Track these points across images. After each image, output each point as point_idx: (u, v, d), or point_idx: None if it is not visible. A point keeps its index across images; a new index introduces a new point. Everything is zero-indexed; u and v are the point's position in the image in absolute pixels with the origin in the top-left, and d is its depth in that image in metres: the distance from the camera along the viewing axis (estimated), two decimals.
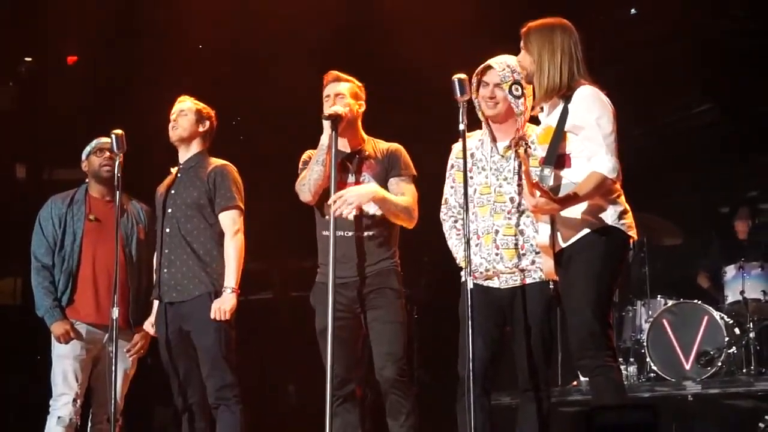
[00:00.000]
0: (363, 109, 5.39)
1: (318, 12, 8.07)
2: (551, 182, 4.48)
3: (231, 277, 5.55)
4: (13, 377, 8.47)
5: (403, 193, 5.28)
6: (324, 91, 5.35)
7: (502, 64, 4.83)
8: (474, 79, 4.86)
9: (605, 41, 8.12)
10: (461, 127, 4.68)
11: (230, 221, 5.63)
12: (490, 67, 4.85)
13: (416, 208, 5.30)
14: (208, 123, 5.86)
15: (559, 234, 4.56)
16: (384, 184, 5.28)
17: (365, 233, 5.24)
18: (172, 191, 5.74)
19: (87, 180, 6.10)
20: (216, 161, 5.80)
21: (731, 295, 8.31)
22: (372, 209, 5.25)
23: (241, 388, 5.56)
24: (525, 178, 4.39)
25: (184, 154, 5.82)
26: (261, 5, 8.26)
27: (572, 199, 4.42)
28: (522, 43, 4.67)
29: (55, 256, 5.89)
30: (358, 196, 5.11)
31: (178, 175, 5.79)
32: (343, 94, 5.30)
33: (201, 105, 5.87)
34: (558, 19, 4.66)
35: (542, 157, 4.57)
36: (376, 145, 5.39)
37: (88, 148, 6.07)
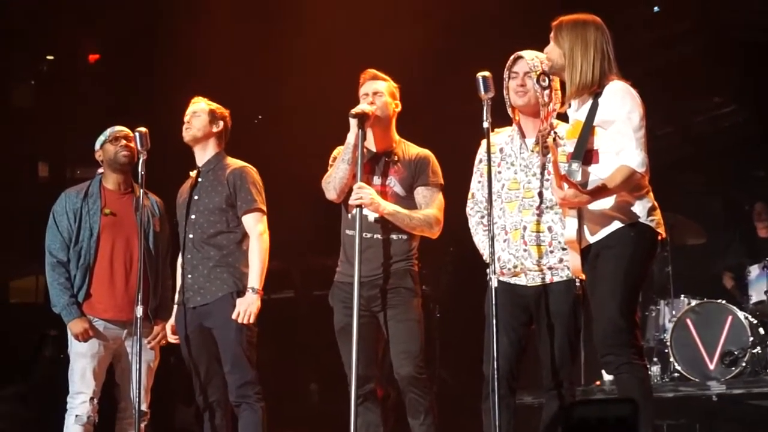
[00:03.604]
0: (399, 109, 5.35)
1: (347, 9, 8.01)
2: (579, 177, 4.43)
3: (255, 278, 5.51)
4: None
5: (428, 203, 5.24)
6: (361, 89, 5.31)
7: (531, 53, 4.82)
8: (505, 73, 4.84)
9: (628, 38, 8.06)
10: (485, 124, 4.66)
11: (254, 223, 5.59)
12: (520, 57, 4.84)
13: (441, 217, 5.26)
14: (222, 123, 5.80)
15: (586, 229, 4.52)
16: (410, 191, 5.25)
17: (388, 236, 5.20)
18: (195, 197, 5.70)
19: (101, 171, 6.03)
20: (234, 162, 5.75)
21: (755, 295, 8.24)
22: None
23: (263, 386, 5.54)
24: (553, 168, 4.36)
25: (201, 156, 5.78)
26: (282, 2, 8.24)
27: (601, 191, 4.37)
28: (552, 36, 4.63)
29: (71, 251, 5.81)
30: (373, 202, 5.08)
31: (199, 179, 5.74)
32: (381, 92, 5.26)
33: (215, 105, 5.81)
34: (591, 15, 4.62)
35: (570, 152, 4.53)
36: (406, 149, 5.33)
37: (102, 137, 5.97)
